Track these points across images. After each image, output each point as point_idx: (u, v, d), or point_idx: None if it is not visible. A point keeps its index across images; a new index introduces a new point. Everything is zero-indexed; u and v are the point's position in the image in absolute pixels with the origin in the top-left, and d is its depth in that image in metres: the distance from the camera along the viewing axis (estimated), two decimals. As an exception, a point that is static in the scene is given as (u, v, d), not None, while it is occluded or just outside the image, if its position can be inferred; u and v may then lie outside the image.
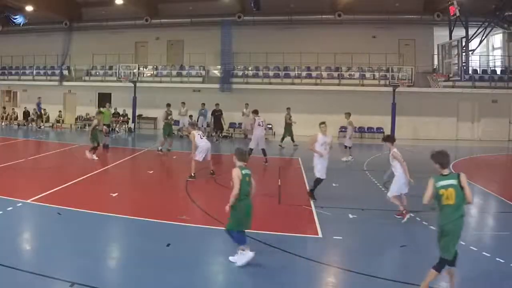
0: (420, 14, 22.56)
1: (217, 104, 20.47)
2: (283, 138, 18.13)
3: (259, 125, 13.47)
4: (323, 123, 9.09)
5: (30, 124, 24.66)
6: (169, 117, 16.17)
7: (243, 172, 5.63)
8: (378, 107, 19.58)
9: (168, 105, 16.87)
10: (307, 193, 9.15)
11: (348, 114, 15.19)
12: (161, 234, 6.81)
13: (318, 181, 8.94)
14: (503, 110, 19.90)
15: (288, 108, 18.79)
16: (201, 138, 11.10)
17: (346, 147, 15.03)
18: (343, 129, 22.70)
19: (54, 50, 26.45)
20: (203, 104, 21.86)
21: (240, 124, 23.03)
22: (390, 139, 8.27)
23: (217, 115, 20.64)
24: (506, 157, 17.45)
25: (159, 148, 15.49)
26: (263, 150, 13.36)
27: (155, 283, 5.10)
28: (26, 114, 25.23)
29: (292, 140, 17.91)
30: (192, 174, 10.81)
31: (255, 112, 13.96)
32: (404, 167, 7.66)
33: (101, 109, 18.00)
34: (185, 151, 15.95)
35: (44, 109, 24.90)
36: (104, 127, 15.57)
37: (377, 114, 21.90)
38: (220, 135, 20.72)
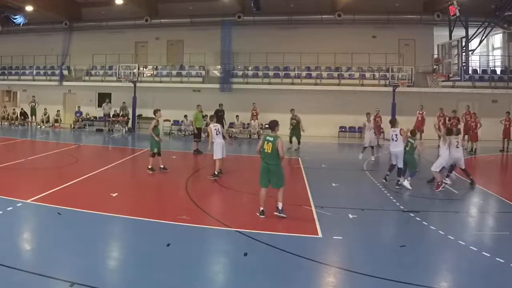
0: (420, 14, 22.55)
1: (220, 105, 20.49)
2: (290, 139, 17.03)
3: None
4: None
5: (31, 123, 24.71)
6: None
7: None
8: (378, 107, 19.64)
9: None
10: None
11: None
12: (161, 234, 6.81)
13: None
14: (503, 110, 19.81)
15: (292, 110, 17.64)
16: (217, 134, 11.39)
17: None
18: (342, 129, 22.84)
19: (54, 50, 26.47)
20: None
21: (247, 124, 22.76)
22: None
23: (220, 115, 20.64)
24: (506, 157, 17.44)
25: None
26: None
27: (155, 283, 5.09)
28: (22, 113, 25.31)
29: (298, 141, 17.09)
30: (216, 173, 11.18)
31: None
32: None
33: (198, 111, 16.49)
34: (183, 151, 15.96)
35: (45, 109, 24.91)
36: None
37: (377, 114, 21.80)
38: None
